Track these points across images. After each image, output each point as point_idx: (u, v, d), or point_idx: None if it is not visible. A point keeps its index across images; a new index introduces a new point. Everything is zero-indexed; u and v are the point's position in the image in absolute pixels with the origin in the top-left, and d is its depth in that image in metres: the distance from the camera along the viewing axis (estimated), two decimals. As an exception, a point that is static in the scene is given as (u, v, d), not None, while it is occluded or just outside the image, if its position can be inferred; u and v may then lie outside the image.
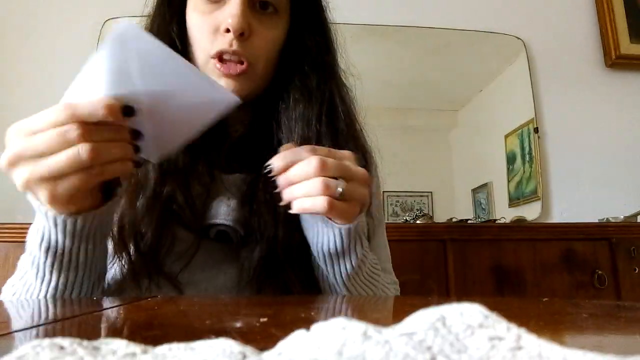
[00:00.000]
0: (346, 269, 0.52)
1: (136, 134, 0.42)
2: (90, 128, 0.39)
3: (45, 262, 0.45)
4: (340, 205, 0.45)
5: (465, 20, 1.71)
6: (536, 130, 1.66)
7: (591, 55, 1.76)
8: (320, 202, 0.44)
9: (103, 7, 1.55)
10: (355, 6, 1.65)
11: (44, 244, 0.45)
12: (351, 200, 0.46)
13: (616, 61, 1.72)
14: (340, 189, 0.45)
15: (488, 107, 1.75)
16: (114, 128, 0.40)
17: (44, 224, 0.44)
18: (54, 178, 0.40)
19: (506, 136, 1.73)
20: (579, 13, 1.78)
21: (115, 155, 0.41)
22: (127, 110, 0.40)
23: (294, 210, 0.46)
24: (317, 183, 0.44)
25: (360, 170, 0.48)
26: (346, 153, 0.48)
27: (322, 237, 0.51)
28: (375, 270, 0.57)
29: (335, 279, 0.53)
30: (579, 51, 1.75)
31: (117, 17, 1.54)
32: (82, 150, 0.38)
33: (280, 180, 0.46)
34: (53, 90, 1.47)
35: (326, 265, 0.52)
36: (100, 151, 0.39)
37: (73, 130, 0.38)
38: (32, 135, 0.39)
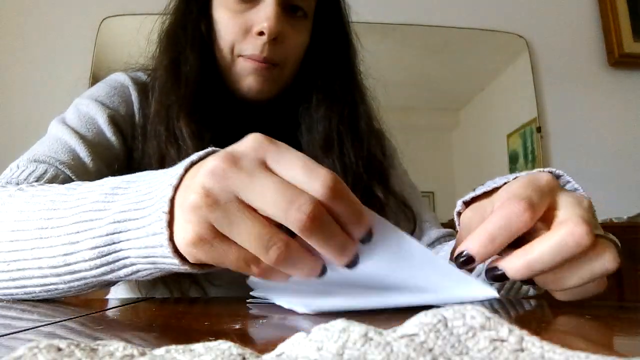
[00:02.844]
0: None
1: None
2: None
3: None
4: None
5: (467, 18, 1.70)
6: (539, 129, 1.66)
7: (594, 53, 1.75)
8: None
9: (101, 5, 1.56)
10: (355, 4, 1.65)
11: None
12: None
13: (619, 60, 1.72)
14: None
15: (490, 107, 1.75)
16: None
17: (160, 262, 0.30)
18: None
19: (508, 136, 1.72)
20: (581, 11, 1.77)
21: None
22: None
23: None
24: None
25: None
26: None
27: None
28: None
29: None
30: (582, 50, 1.75)
31: (115, 16, 1.55)
32: None
33: None
34: (50, 89, 1.49)
35: None
36: None
37: None
38: None
